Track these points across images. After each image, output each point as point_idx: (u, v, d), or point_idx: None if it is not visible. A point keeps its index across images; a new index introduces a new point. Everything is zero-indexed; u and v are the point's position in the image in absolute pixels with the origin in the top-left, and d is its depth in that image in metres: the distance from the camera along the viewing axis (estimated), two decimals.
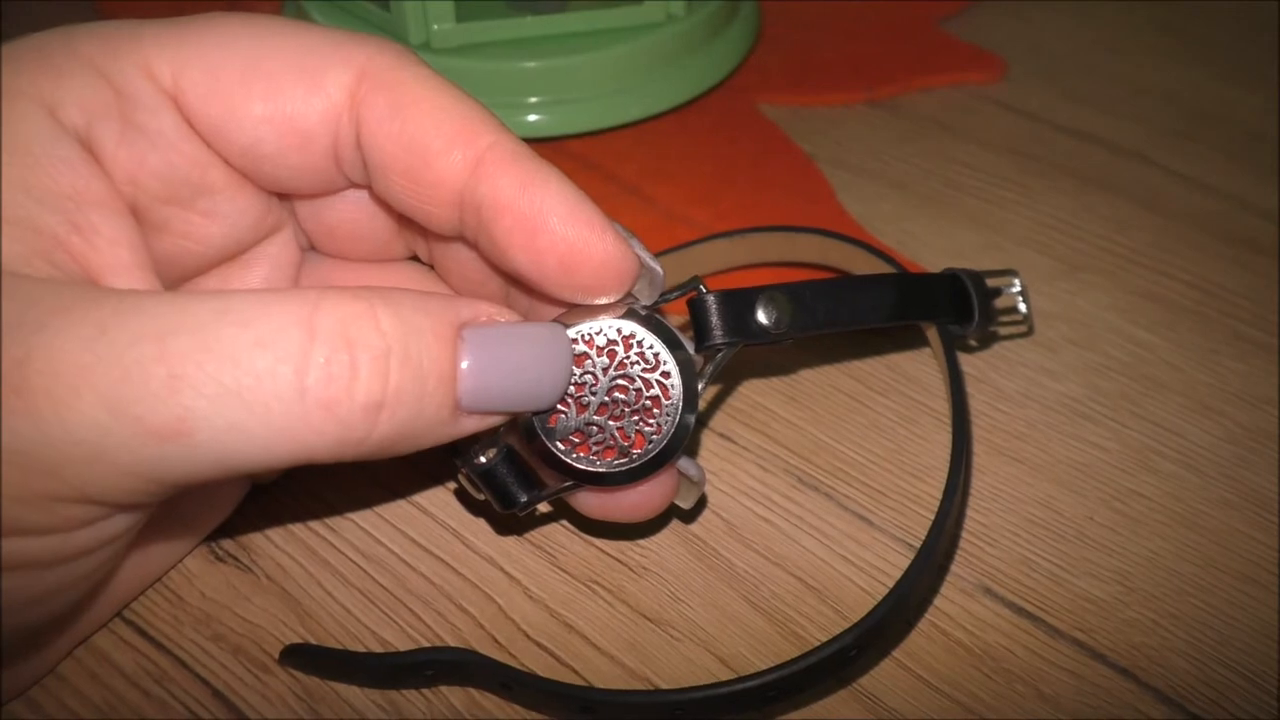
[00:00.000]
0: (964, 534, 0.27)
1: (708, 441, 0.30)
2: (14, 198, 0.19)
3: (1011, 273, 0.31)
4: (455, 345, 0.20)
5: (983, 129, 0.41)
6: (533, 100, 0.37)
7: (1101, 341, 0.32)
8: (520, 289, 0.24)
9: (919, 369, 0.32)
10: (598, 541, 0.27)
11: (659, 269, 0.23)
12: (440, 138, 0.21)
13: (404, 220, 0.24)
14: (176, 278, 0.23)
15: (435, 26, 0.37)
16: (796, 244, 0.32)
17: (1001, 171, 0.39)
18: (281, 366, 0.18)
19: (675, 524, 0.27)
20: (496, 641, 0.25)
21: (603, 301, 0.22)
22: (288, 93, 0.21)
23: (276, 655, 0.25)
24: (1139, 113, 0.42)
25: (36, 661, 0.23)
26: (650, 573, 0.26)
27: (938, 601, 0.26)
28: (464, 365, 0.20)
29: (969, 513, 0.28)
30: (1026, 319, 0.31)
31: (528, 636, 0.25)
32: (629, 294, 0.23)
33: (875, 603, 0.23)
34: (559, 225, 0.21)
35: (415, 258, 0.26)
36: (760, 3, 0.45)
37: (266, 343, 0.17)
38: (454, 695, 0.24)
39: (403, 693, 0.24)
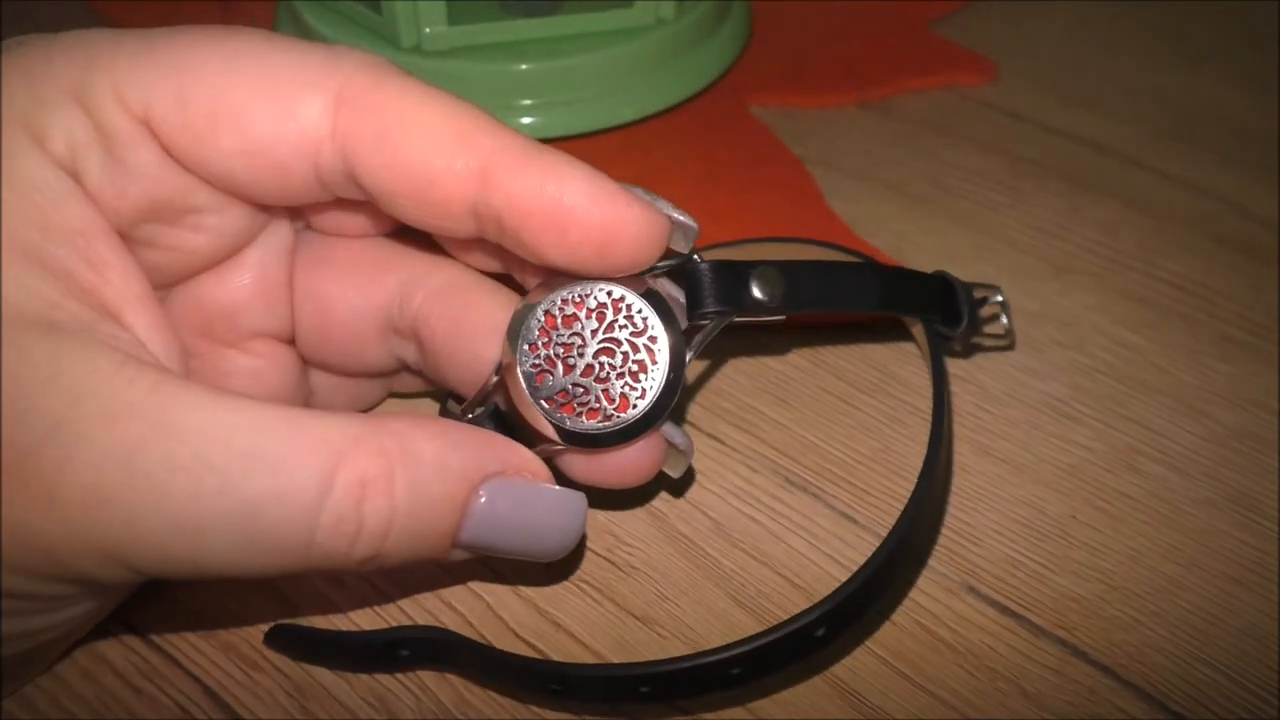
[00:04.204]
0: (948, 532, 0.28)
1: (696, 440, 0.30)
2: (31, 237, 0.19)
3: (995, 288, 0.31)
4: (465, 506, 0.21)
5: (973, 131, 0.41)
6: (524, 103, 0.38)
7: (1087, 342, 0.33)
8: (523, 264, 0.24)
9: (905, 370, 0.32)
10: (586, 540, 0.27)
11: (692, 222, 0.23)
12: (439, 156, 0.21)
13: None
14: (169, 283, 0.23)
15: (427, 29, 0.37)
16: (797, 255, 0.32)
17: (992, 173, 0.39)
18: (295, 524, 0.19)
19: (662, 523, 0.28)
20: (485, 639, 0.25)
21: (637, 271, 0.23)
22: (257, 126, 0.21)
23: (268, 653, 0.25)
24: (1130, 114, 0.42)
25: (32, 666, 0.24)
26: (638, 571, 0.27)
27: (921, 599, 0.26)
28: (471, 517, 0.21)
29: (953, 511, 0.28)
30: (1009, 333, 0.31)
31: (516, 634, 0.25)
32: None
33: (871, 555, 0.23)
34: (587, 215, 0.21)
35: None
36: (751, 4, 0.45)
37: (287, 498, 0.19)
38: (442, 691, 0.24)
39: (391, 689, 0.24)
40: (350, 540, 0.20)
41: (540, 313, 0.23)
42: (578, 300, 0.23)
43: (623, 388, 0.23)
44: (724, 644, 0.22)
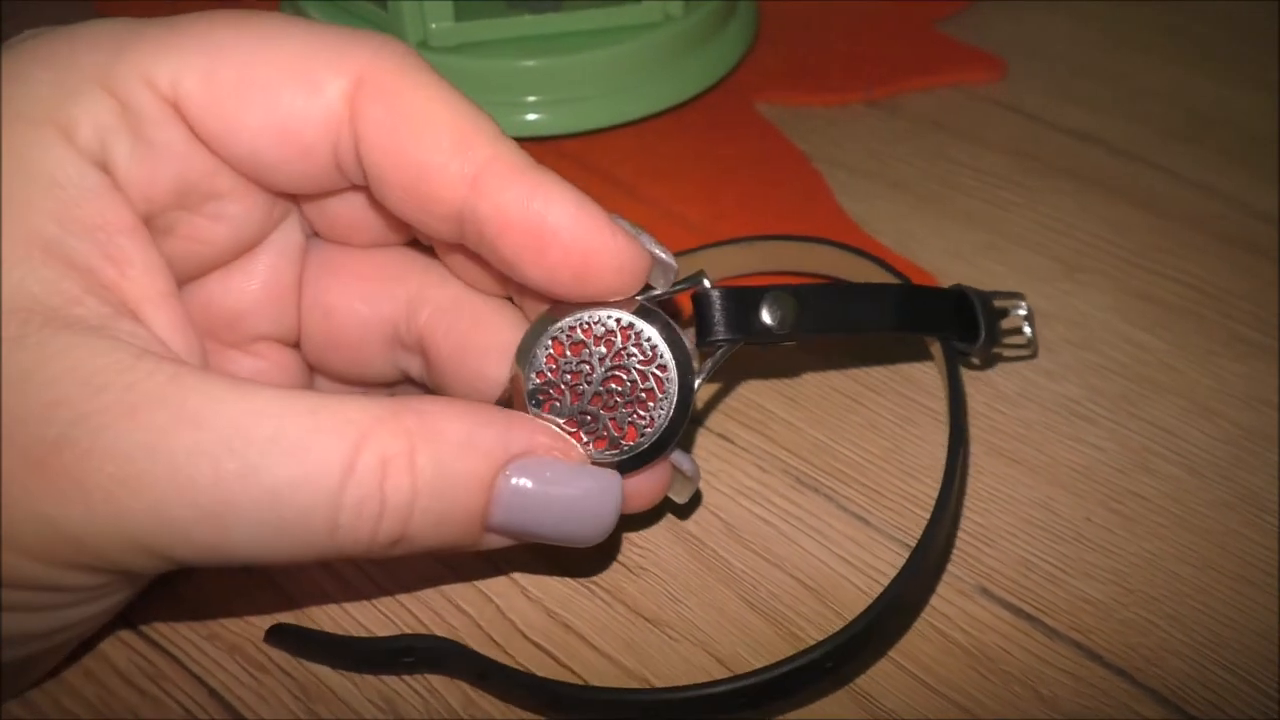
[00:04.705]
0: (962, 534, 0.27)
1: (706, 441, 0.30)
2: (51, 232, 0.19)
3: (1018, 296, 0.31)
4: (492, 487, 0.21)
5: (981, 129, 0.41)
6: (530, 99, 0.37)
7: (1099, 342, 0.32)
8: (520, 288, 0.24)
9: (917, 370, 0.32)
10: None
11: (672, 260, 0.23)
12: (436, 153, 0.21)
13: None
14: (185, 278, 0.23)
15: (433, 25, 0.37)
16: (810, 254, 0.31)
17: (1000, 172, 0.39)
18: (319, 507, 0.19)
19: (673, 524, 0.27)
20: (494, 641, 0.25)
21: (616, 299, 0.22)
22: (285, 104, 0.21)
23: (273, 655, 0.25)
24: (1138, 113, 0.42)
25: (38, 668, 0.23)
26: (648, 572, 0.26)
27: (935, 601, 0.26)
28: (500, 498, 0.21)
29: (967, 513, 0.28)
30: (1031, 342, 0.31)
31: (525, 636, 0.25)
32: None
33: (870, 604, 0.23)
34: (569, 238, 0.21)
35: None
36: (758, 2, 0.45)
37: (310, 481, 0.19)
38: (451, 695, 0.24)
39: (399, 691, 0.24)
40: (374, 522, 0.19)
41: (549, 338, 0.23)
42: (586, 326, 0.23)
43: (630, 416, 0.23)
44: (729, 675, 0.23)
